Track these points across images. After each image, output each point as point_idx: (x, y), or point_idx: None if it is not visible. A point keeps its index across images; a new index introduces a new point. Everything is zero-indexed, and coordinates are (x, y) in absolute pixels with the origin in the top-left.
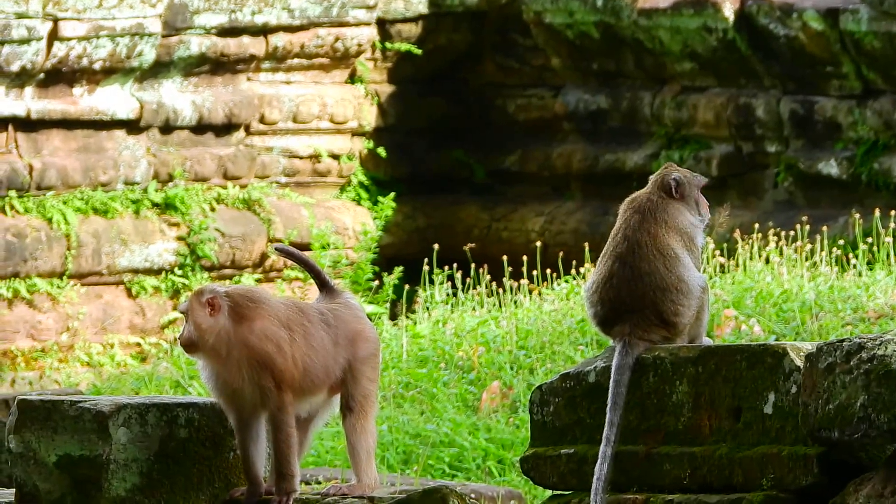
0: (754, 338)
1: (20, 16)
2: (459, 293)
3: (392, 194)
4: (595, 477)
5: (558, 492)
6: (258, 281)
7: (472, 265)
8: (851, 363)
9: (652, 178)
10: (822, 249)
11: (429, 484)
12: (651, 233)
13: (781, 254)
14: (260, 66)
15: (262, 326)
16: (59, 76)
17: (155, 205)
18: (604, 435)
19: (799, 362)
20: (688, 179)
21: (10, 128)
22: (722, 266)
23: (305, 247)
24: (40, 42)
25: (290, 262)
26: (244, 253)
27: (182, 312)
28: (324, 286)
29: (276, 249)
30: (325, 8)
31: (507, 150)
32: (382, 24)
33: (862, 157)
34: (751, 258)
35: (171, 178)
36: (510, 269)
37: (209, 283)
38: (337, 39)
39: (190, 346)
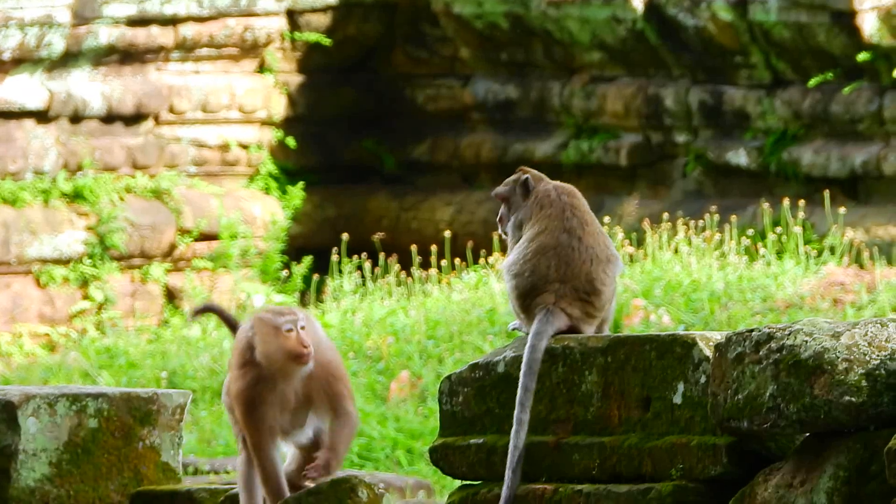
0: (663, 327)
1: None
2: (368, 283)
3: (301, 184)
4: (509, 455)
5: (467, 482)
6: (167, 271)
7: (382, 255)
8: (761, 353)
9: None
10: (731, 239)
11: (338, 474)
12: (589, 213)
13: (690, 243)
14: (169, 56)
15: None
16: None
17: (64, 194)
18: (517, 401)
19: (708, 352)
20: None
21: None
22: (631, 256)
23: (214, 236)
24: None
25: (199, 252)
26: (153, 243)
27: (292, 325)
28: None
29: (194, 313)
30: None
31: (416, 141)
32: (291, 15)
33: (771, 147)
34: (660, 248)
35: (80, 167)
36: (419, 258)
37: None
38: (246, 29)
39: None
